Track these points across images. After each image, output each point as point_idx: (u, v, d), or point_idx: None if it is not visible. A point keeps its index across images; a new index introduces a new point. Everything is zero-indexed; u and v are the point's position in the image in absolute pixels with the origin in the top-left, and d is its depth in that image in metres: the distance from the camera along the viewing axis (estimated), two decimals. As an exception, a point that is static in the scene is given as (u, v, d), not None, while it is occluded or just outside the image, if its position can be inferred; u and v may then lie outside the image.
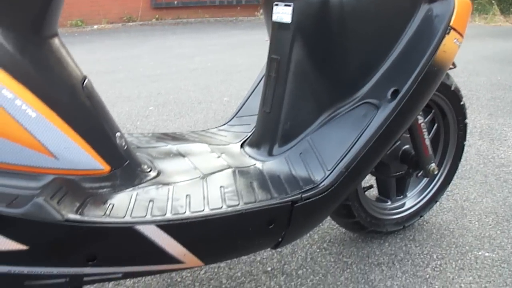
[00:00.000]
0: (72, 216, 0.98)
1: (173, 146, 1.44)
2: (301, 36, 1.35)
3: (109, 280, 1.12)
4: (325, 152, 1.34)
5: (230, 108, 3.66)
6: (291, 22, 1.35)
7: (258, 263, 1.70)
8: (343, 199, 1.37)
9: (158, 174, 1.25)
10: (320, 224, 1.87)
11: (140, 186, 1.17)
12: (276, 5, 1.39)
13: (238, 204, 1.16)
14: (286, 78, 1.38)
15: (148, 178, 1.21)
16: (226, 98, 3.95)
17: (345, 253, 1.78)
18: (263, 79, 1.67)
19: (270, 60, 1.42)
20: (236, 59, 5.89)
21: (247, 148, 1.47)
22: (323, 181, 1.27)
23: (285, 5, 1.36)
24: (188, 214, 1.10)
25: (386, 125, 1.33)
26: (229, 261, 1.71)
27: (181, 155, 1.38)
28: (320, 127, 1.39)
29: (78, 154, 1.06)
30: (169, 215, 1.08)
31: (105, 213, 1.03)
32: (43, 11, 1.05)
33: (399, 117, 1.35)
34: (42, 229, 0.96)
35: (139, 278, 1.61)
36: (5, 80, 0.96)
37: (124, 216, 1.04)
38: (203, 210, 1.12)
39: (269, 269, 1.68)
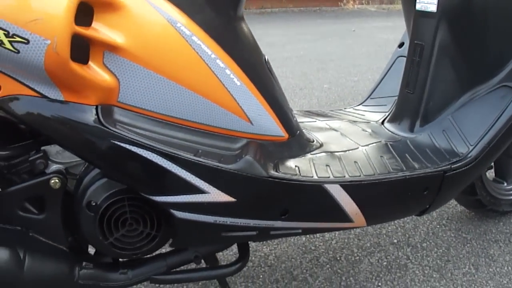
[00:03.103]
0: (274, 173, 1.13)
1: (322, 122, 1.57)
2: (445, 23, 1.46)
3: (289, 235, 1.27)
4: (467, 129, 1.45)
5: (332, 95, 3.79)
6: (436, 11, 1.46)
7: (384, 236, 1.83)
8: (483, 172, 1.49)
9: (321, 144, 1.38)
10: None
11: (312, 153, 1.30)
12: None
13: (401, 171, 1.29)
14: (429, 62, 1.49)
15: (315, 147, 1.35)
16: (326, 85, 4.07)
17: (463, 229, 1.89)
18: (394, 65, 1.79)
19: (414, 46, 1.54)
20: (326, 48, 5.98)
21: (388, 125, 1.59)
22: (469, 154, 1.39)
23: None
24: (362, 177, 1.23)
25: None
26: (357, 233, 1.84)
27: (333, 129, 1.52)
28: (460, 107, 1.50)
29: (267, 121, 1.20)
30: (347, 177, 1.21)
31: (296, 173, 1.17)
32: None
33: None
34: (249, 184, 1.10)
35: (275, 246, 1.76)
36: (218, 52, 1.10)
37: (313, 176, 1.18)
38: (374, 174, 1.25)
39: (395, 241, 1.80)
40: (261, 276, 1.61)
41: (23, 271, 1.05)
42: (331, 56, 5.45)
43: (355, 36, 7.06)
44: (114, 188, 1.08)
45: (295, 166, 1.20)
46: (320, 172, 1.20)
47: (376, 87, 1.82)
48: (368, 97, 1.81)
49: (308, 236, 1.82)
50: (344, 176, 1.21)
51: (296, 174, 1.16)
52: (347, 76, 4.45)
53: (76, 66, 0.92)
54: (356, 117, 1.67)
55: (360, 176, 1.23)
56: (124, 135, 0.98)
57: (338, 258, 1.70)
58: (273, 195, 1.14)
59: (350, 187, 1.20)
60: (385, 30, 7.47)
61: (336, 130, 1.51)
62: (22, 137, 1.10)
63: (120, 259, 1.25)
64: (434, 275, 1.62)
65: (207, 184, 1.05)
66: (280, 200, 1.15)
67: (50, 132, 0.98)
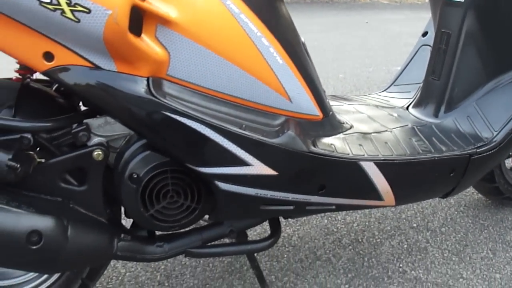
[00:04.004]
0: (314, 148, 1.17)
1: (349, 106, 1.61)
2: (472, 12, 1.50)
3: (323, 211, 1.31)
4: (491, 115, 1.50)
5: (347, 84, 3.84)
6: (464, 1, 1.50)
7: (404, 220, 1.88)
8: (505, 157, 1.54)
9: (351, 126, 1.42)
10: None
11: (344, 133, 1.34)
12: None
13: (430, 152, 1.33)
14: (455, 50, 1.53)
15: (346, 128, 1.39)
16: (342, 75, 4.11)
17: (480, 216, 1.94)
18: (417, 53, 1.83)
19: (440, 34, 1.58)
20: (340, 39, 5.99)
21: (413, 110, 1.63)
22: (493, 138, 1.44)
23: None
24: (395, 156, 1.28)
25: None
26: (377, 217, 1.89)
27: (360, 112, 1.56)
28: (485, 94, 1.55)
29: (305, 100, 1.24)
30: (381, 156, 1.25)
31: (333, 149, 1.21)
32: None
33: None
34: (291, 158, 1.14)
35: (298, 227, 1.81)
36: (263, 30, 1.14)
37: (349, 154, 1.22)
38: (405, 154, 1.30)
39: (414, 225, 1.85)
40: (285, 255, 1.66)
41: (67, 240, 1.08)
42: (344, 47, 5.46)
43: (368, 28, 7.03)
44: (157, 160, 1.11)
45: (331, 144, 1.24)
46: (354, 150, 1.24)
47: (400, 74, 1.86)
48: (392, 83, 1.86)
49: (330, 218, 1.87)
50: (378, 155, 1.25)
51: (333, 151, 1.20)
52: (361, 66, 4.49)
53: (132, 38, 0.96)
54: (381, 102, 1.72)
55: (392, 155, 1.27)
56: (175, 107, 1.01)
57: (360, 240, 1.75)
58: (312, 170, 1.18)
59: (384, 166, 1.24)
60: (398, 23, 7.45)
61: (363, 113, 1.55)
62: (61, 110, 1.13)
63: (156, 233, 1.28)
64: (453, 258, 1.67)
65: (251, 157, 1.09)
66: (318, 175, 1.19)
67: (101, 102, 1.01)
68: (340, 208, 1.30)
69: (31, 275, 1.30)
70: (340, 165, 1.20)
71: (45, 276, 1.29)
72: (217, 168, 1.09)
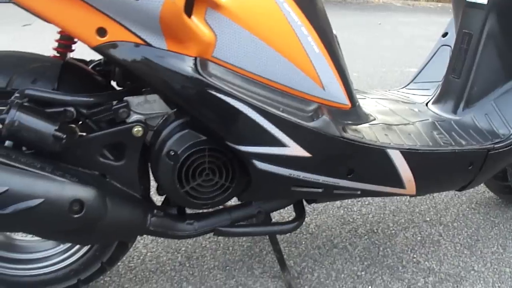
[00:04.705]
0: (345, 134, 1.23)
1: (371, 100, 1.68)
2: (494, 15, 1.56)
3: (349, 196, 1.37)
4: (509, 114, 1.56)
5: (361, 83, 3.89)
6: (486, 3, 1.56)
7: (417, 214, 1.94)
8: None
9: (375, 117, 1.48)
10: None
11: (371, 123, 1.40)
12: None
13: (451, 145, 1.40)
14: (476, 50, 1.60)
15: (371, 119, 1.45)
16: (355, 74, 4.14)
17: (491, 213, 2.00)
18: (437, 52, 1.89)
19: (462, 34, 1.64)
20: (353, 38, 5.99)
21: (432, 107, 1.70)
22: (510, 135, 1.50)
23: None
24: (418, 146, 1.34)
25: None
26: (392, 210, 1.95)
27: (382, 105, 1.62)
28: (503, 94, 1.61)
29: (337, 89, 1.30)
30: (406, 145, 1.32)
31: (363, 136, 1.27)
32: None
33: None
34: (325, 141, 1.20)
35: (315, 216, 1.87)
36: (303, 20, 1.20)
37: (377, 141, 1.28)
38: (428, 145, 1.36)
39: (428, 219, 1.92)
40: (303, 242, 1.72)
41: (107, 211, 1.13)
42: (357, 46, 5.46)
43: (381, 29, 7.01)
44: (195, 139, 1.17)
45: (360, 131, 1.30)
46: (381, 139, 1.30)
47: (419, 72, 1.93)
48: (411, 81, 1.92)
49: (346, 209, 1.93)
50: (403, 144, 1.32)
51: (362, 138, 1.26)
52: (375, 66, 4.53)
53: (186, 18, 1.01)
54: (401, 97, 1.78)
55: (416, 145, 1.34)
56: (221, 87, 1.07)
57: (375, 231, 1.81)
58: (343, 154, 1.24)
59: (408, 155, 1.30)
60: (411, 25, 7.42)
61: (385, 107, 1.61)
62: (99, 88, 1.20)
63: (187, 211, 1.33)
64: (465, 252, 1.73)
65: (288, 138, 1.15)
66: (348, 159, 1.26)
67: (149, 78, 1.06)
68: (364, 193, 1.36)
69: (52, 251, 1.36)
70: (368, 151, 1.26)
71: (66, 254, 1.35)
72: (256, 147, 1.15)
